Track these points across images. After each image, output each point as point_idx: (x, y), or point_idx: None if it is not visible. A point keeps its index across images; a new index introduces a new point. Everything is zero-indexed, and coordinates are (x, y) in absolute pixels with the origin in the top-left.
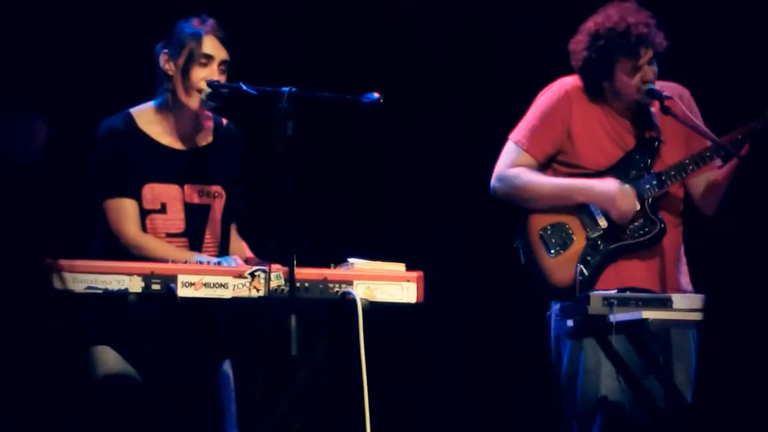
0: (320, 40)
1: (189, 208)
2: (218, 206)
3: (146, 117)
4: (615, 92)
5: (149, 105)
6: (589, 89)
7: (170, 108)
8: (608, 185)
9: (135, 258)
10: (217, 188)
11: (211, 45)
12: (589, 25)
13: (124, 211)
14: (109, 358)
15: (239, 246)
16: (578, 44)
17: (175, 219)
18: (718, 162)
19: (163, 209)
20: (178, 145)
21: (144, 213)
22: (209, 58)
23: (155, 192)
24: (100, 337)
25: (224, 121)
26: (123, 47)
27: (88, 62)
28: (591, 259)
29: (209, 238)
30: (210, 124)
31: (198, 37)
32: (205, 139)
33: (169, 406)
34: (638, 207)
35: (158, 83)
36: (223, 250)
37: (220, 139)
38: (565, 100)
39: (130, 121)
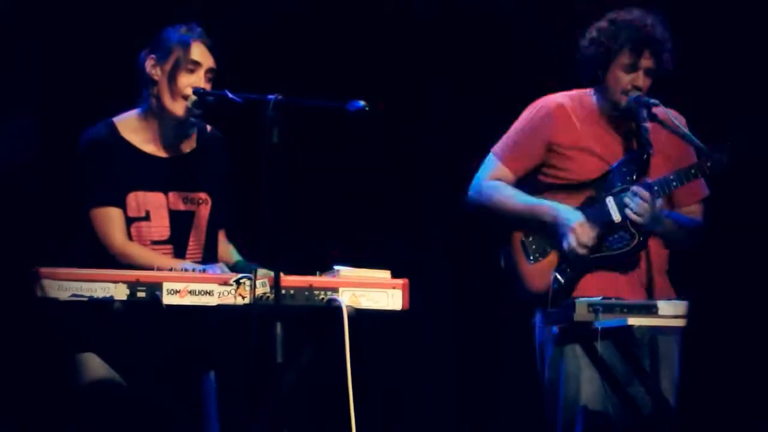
0: (306, 46)
1: (174, 216)
2: (204, 213)
3: (129, 125)
4: (605, 88)
5: (132, 113)
6: (584, 77)
7: (155, 114)
8: (573, 215)
9: (121, 266)
10: (202, 195)
11: (198, 52)
12: (611, 14)
13: (110, 220)
14: (94, 366)
15: (228, 251)
16: (592, 28)
17: (160, 226)
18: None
19: (147, 217)
20: (161, 152)
21: (129, 221)
22: (196, 64)
23: (140, 200)
24: (85, 344)
25: (208, 127)
26: (106, 55)
27: (73, 69)
28: (568, 268)
29: (194, 244)
30: (194, 131)
31: (186, 44)
32: (189, 146)
33: (154, 413)
34: (595, 241)
35: (142, 90)
36: (209, 257)
37: (204, 145)
38: (547, 118)
39: (113, 130)
